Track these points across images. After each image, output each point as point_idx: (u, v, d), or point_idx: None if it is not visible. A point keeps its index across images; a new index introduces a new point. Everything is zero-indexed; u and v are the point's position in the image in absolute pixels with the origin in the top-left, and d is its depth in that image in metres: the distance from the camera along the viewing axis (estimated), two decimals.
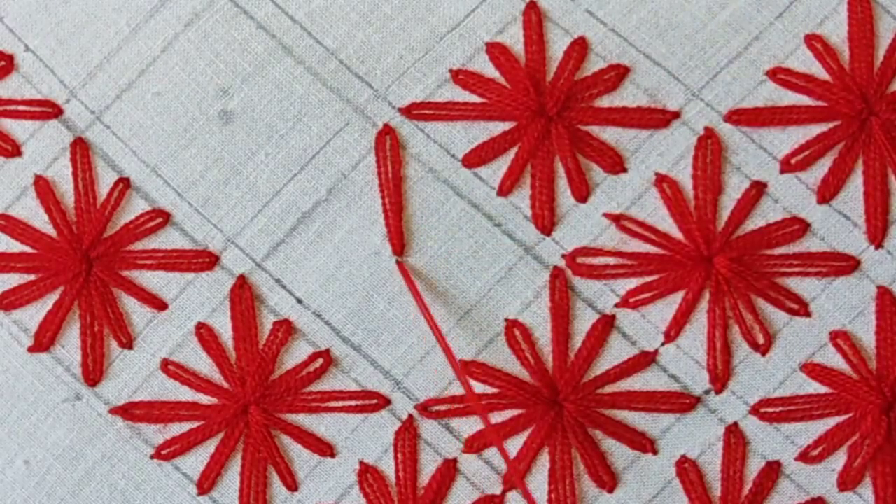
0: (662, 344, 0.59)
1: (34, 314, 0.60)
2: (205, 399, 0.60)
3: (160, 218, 0.60)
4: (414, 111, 0.59)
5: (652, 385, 0.59)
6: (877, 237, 0.59)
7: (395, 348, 0.60)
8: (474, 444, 0.59)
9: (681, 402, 0.59)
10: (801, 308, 0.59)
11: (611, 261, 0.59)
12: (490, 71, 0.60)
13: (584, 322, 0.59)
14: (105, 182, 0.60)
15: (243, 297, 0.60)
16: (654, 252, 0.59)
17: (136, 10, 0.60)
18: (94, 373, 0.60)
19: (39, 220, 0.60)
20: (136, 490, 0.60)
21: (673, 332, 0.59)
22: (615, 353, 0.59)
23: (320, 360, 0.60)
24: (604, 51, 0.59)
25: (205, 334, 0.60)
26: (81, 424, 0.60)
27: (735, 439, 0.59)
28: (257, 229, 0.60)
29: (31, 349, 0.60)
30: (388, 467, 0.60)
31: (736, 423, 0.59)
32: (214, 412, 0.59)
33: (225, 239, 0.60)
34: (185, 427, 0.60)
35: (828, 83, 0.59)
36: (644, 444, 0.59)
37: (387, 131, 0.60)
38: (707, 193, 0.59)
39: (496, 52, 0.59)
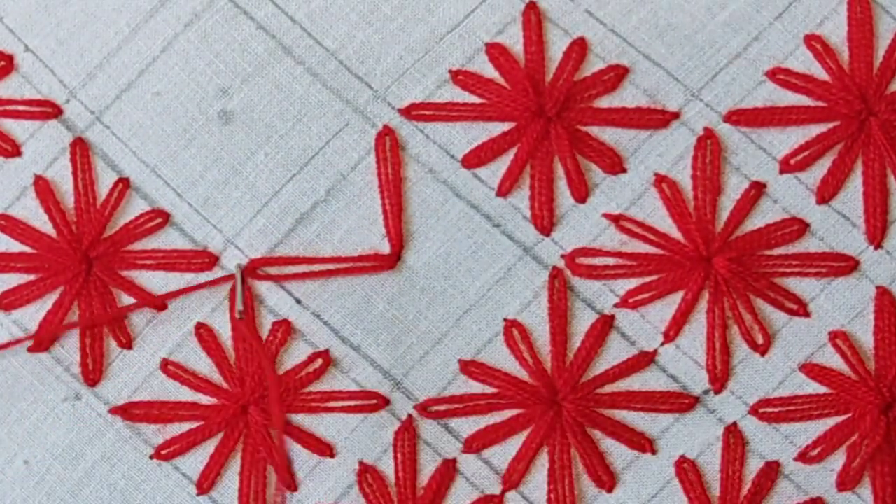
0: (662, 344, 0.59)
1: (34, 314, 0.60)
2: (204, 399, 0.60)
3: (160, 218, 0.60)
4: (413, 112, 0.59)
5: (651, 385, 0.59)
6: (876, 237, 0.59)
7: (394, 348, 0.60)
8: (474, 445, 0.59)
9: (680, 402, 0.59)
10: (800, 308, 0.59)
11: (610, 261, 0.59)
12: (489, 71, 0.60)
13: (583, 322, 0.59)
14: (105, 182, 0.60)
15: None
16: (654, 252, 0.59)
17: (136, 10, 0.60)
18: (93, 373, 0.60)
19: (39, 220, 0.60)
20: (136, 490, 0.60)
21: (672, 332, 0.59)
22: (614, 353, 0.59)
23: (319, 361, 0.60)
24: (603, 51, 0.59)
25: (204, 334, 0.60)
26: (81, 424, 0.60)
27: (734, 439, 0.59)
28: (256, 230, 0.60)
29: (30, 349, 0.60)
30: (388, 467, 0.60)
31: (735, 423, 0.59)
32: (214, 412, 0.59)
33: (224, 239, 0.60)
34: (185, 427, 0.60)
35: (827, 83, 0.59)
36: (643, 443, 0.59)
37: (386, 132, 0.60)
38: (706, 194, 0.59)
39: (496, 52, 0.59)
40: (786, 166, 0.59)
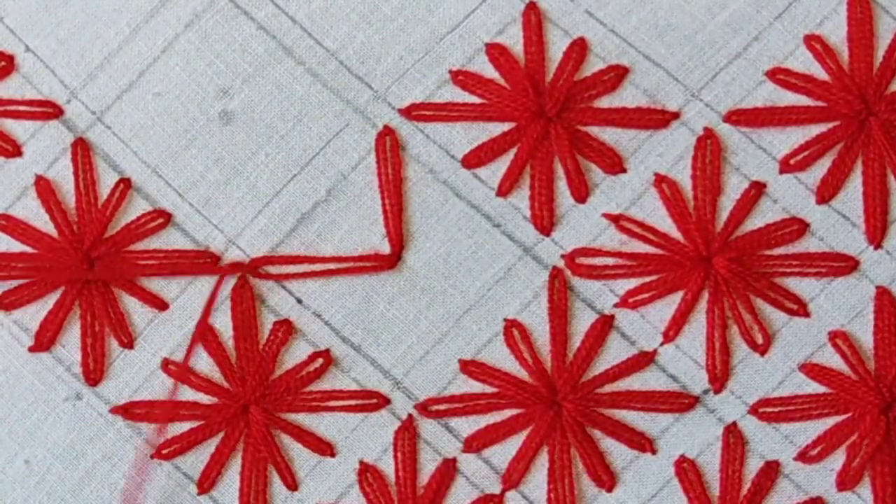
0: (661, 344, 0.59)
1: (35, 314, 0.60)
2: (205, 399, 0.60)
3: (161, 218, 0.60)
4: (414, 112, 0.59)
5: (651, 385, 0.59)
6: (876, 237, 0.59)
7: (394, 348, 0.60)
8: (474, 444, 0.59)
9: (680, 402, 0.59)
10: (799, 308, 0.59)
11: (610, 261, 0.59)
12: (490, 72, 0.60)
13: (583, 322, 0.59)
14: (106, 182, 0.60)
15: (244, 297, 0.60)
16: (654, 252, 0.59)
17: (137, 10, 0.60)
18: (94, 372, 0.60)
19: (40, 220, 0.60)
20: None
21: (672, 332, 0.59)
22: (614, 352, 0.59)
23: (320, 360, 0.60)
24: (603, 51, 0.59)
25: (205, 334, 0.60)
26: (82, 424, 0.60)
27: (734, 439, 0.59)
28: (257, 230, 0.60)
29: (31, 349, 0.60)
30: (388, 466, 0.60)
31: (735, 423, 0.59)
32: (215, 412, 0.59)
33: (226, 240, 0.60)
34: (186, 427, 0.60)
35: (827, 83, 0.59)
36: (643, 443, 0.59)
37: (386, 132, 0.60)
38: (706, 194, 0.59)
39: (496, 52, 0.59)
40: (786, 166, 0.59)
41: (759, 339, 0.59)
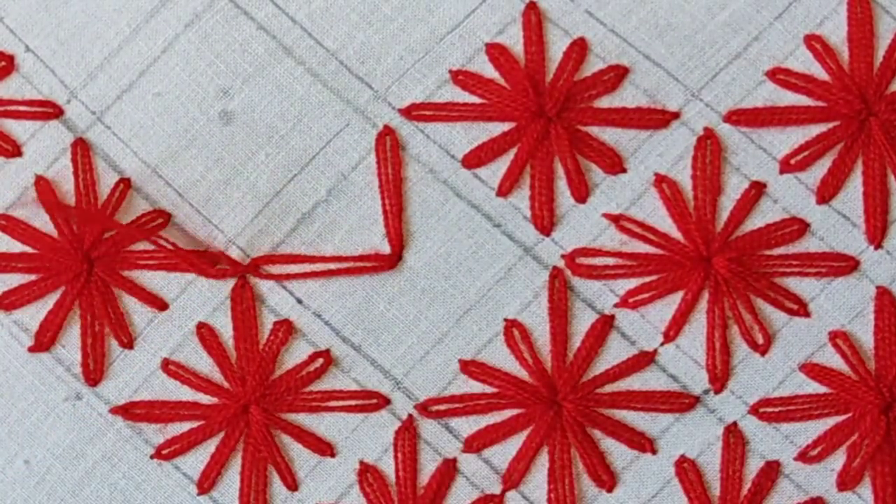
0: (662, 344, 0.59)
1: (35, 314, 0.60)
2: (205, 399, 0.60)
3: (161, 218, 0.60)
4: (414, 112, 0.59)
5: (651, 385, 0.59)
6: (876, 237, 0.59)
7: (394, 348, 0.60)
8: (474, 444, 0.59)
9: (680, 402, 0.59)
10: (800, 308, 0.59)
11: (610, 261, 0.59)
12: (490, 72, 0.60)
13: (583, 322, 0.59)
14: (106, 182, 0.60)
15: (244, 297, 0.60)
16: (654, 252, 0.59)
17: (137, 10, 0.60)
18: (94, 372, 0.60)
19: (40, 220, 0.60)
20: (137, 490, 0.60)
21: (672, 332, 0.59)
22: (614, 352, 0.59)
23: (320, 360, 0.60)
24: (603, 51, 0.59)
25: (205, 334, 0.60)
26: (82, 424, 0.60)
27: (734, 439, 0.59)
28: (258, 230, 0.60)
29: (31, 349, 0.60)
30: (388, 467, 0.60)
31: (735, 423, 0.59)
32: (215, 412, 0.60)
33: (226, 240, 0.60)
34: (186, 427, 0.60)
35: (827, 83, 0.59)
36: (643, 443, 0.59)
37: (387, 132, 0.60)
38: (706, 194, 0.59)
39: (496, 52, 0.59)
40: (786, 166, 0.59)
41: (760, 339, 0.59)
